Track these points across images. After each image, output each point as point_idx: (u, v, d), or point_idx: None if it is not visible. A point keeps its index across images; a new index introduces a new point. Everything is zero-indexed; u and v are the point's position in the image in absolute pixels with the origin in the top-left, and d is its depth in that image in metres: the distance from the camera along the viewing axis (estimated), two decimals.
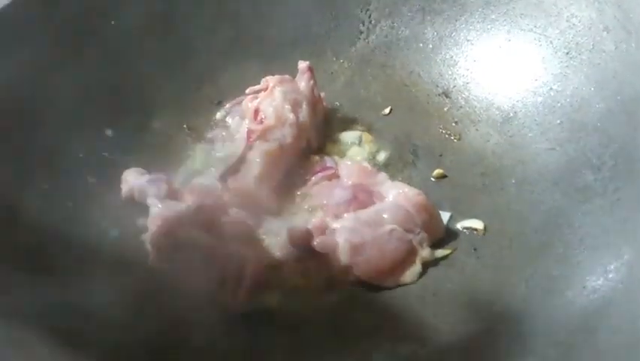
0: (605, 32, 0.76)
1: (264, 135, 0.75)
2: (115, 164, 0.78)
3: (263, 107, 0.77)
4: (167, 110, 0.86)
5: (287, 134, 0.75)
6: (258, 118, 0.77)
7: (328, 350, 0.65)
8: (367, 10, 0.93)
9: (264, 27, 0.92)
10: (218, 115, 0.87)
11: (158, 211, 0.70)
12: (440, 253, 0.72)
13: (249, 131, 0.76)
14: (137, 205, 0.74)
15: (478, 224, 0.74)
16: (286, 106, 0.77)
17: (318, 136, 0.82)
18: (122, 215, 0.75)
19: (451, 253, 0.72)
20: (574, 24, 0.80)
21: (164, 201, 0.73)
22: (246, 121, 0.80)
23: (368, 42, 0.93)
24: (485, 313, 0.66)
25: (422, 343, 0.64)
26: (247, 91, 0.83)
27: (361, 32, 0.93)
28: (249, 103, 0.81)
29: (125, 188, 0.76)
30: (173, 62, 0.88)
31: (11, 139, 0.72)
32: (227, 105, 0.87)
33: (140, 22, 0.86)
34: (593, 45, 0.77)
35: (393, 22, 0.92)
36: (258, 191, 0.72)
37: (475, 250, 0.72)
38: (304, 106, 0.79)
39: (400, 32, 0.92)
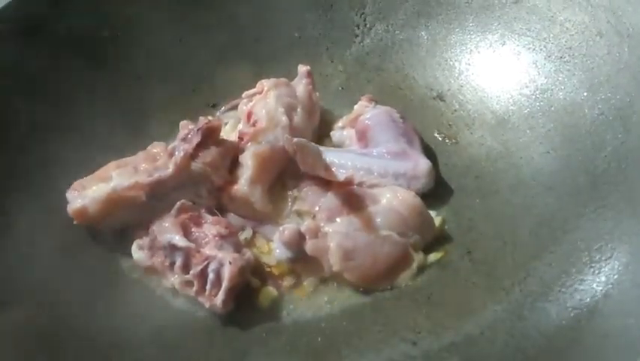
0: (599, 37, 0.77)
1: (255, 138, 0.75)
2: None
3: (256, 110, 0.77)
4: (163, 112, 0.86)
5: (279, 137, 0.75)
6: (251, 121, 0.77)
7: (321, 352, 0.65)
8: (362, 13, 0.93)
9: (260, 30, 0.93)
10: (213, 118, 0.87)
11: None
12: (434, 256, 0.72)
13: (241, 134, 0.76)
14: None
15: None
16: (279, 109, 0.77)
17: (313, 139, 0.82)
18: None
19: (444, 256, 0.72)
20: (567, 28, 0.80)
21: None
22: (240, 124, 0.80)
23: (363, 45, 0.93)
24: (478, 315, 0.66)
25: (415, 345, 0.65)
26: (243, 95, 0.83)
27: (356, 36, 0.94)
28: (244, 106, 0.81)
29: None
30: (170, 64, 0.89)
31: None
32: (223, 108, 0.87)
33: (138, 23, 0.87)
34: (586, 49, 0.78)
35: (388, 26, 0.92)
36: (250, 193, 0.72)
37: (468, 252, 0.72)
38: (299, 109, 0.79)
39: (395, 36, 0.92)
